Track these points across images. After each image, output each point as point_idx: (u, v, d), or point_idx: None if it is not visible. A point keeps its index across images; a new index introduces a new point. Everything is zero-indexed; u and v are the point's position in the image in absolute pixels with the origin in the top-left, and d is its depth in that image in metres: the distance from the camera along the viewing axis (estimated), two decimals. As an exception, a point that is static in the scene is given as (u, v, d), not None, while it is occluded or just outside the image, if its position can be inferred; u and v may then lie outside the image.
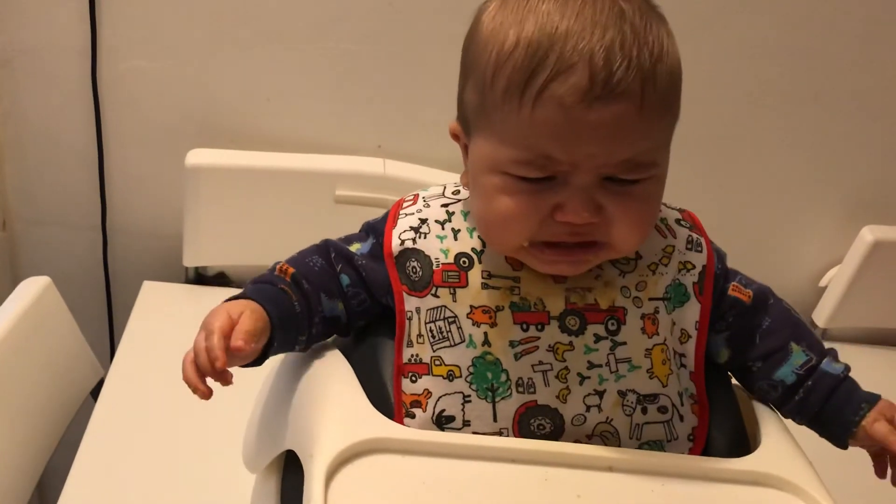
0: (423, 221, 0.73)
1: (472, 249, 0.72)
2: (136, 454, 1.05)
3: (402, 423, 0.70)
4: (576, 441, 0.71)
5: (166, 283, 1.34)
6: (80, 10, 1.19)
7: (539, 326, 0.71)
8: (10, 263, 1.38)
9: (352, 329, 0.76)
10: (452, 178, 0.78)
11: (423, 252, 0.72)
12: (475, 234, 0.72)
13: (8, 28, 1.21)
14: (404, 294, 0.72)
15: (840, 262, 1.38)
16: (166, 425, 1.09)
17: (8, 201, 1.34)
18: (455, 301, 0.71)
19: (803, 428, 0.77)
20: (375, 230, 0.75)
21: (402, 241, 0.73)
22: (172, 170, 1.27)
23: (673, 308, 0.73)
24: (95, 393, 1.15)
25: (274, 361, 0.76)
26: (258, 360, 0.71)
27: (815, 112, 1.29)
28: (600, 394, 0.71)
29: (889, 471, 0.74)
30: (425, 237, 0.73)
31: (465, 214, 0.74)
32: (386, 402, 0.71)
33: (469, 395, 0.71)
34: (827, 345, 0.79)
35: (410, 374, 0.71)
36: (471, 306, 0.71)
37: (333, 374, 0.73)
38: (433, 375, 0.71)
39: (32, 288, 1.07)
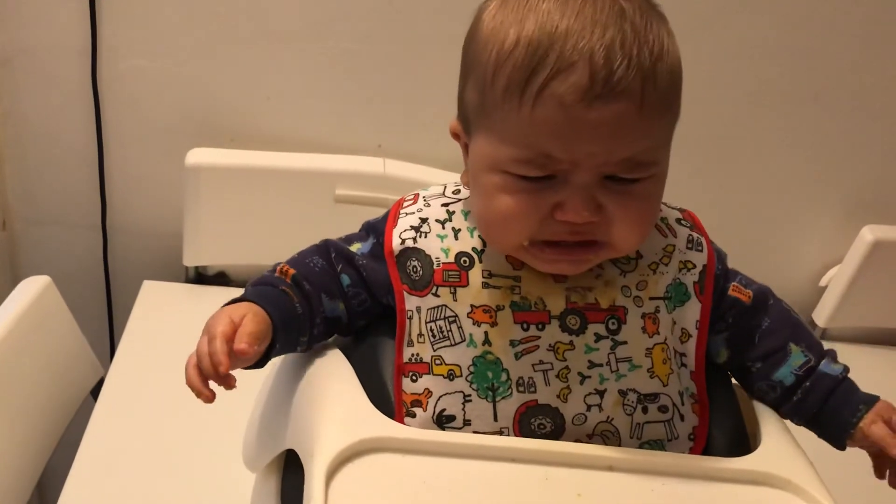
0: (424, 221, 0.73)
1: (473, 249, 0.72)
2: (136, 454, 1.05)
3: (402, 422, 0.70)
4: (576, 440, 0.71)
5: (166, 282, 1.34)
6: (80, 9, 1.19)
7: (539, 326, 0.71)
8: (10, 263, 1.38)
9: (353, 329, 0.76)
10: (453, 178, 0.78)
11: (424, 251, 0.72)
12: (476, 234, 0.72)
13: (8, 28, 1.20)
14: (405, 293, 0.72)
15: (840, 262, 1.38)
16: (166, 425, 1.09)
17: (8, 201, 1.34)
18: (455, 300, 0.71)
19: (803, 428, 0.77)
20: (376, 230, 0.75)
21: (403, 241, 0.73)
22: (172, 169, 1.27)
23: (673, 307, 0.73)
24: (95, 392, 1.15)
25: (274, 361, 0.76)
26: (260, 362, 0.71)
27: (815, 112, 1.29)
28: (601, 393, 0.71)
29: (889, 471, 0.74)
30: (426, 236, 0.73)
31: (466, 214, 0.73)
32: (386, 401, 0.71)
33: (469, 395, 0.70)
34: (827, 345, 0.79)
35: (411, 374, 0.71)
36: (471, 305, 0.71)
37: (334, 373, 0.73)
38: (434, 375, 0.71)
39: (32, 287, 1.07)
